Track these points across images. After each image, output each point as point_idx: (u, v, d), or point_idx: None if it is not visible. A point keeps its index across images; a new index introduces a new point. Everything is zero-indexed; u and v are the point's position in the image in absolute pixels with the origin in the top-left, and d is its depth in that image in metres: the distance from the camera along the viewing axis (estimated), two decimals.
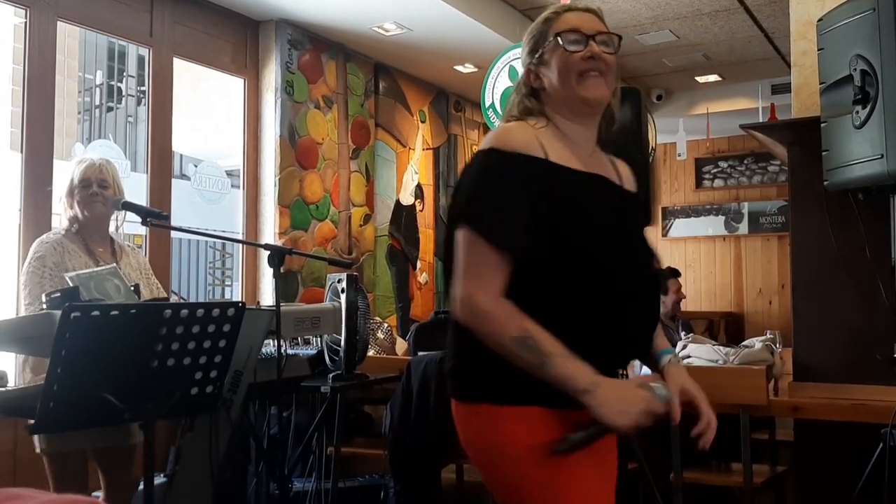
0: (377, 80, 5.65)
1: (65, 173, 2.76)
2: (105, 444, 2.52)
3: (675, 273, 5.02)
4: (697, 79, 6.98)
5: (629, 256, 1.55)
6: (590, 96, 1.57)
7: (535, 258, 1.46)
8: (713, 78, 6.96)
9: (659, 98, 7.29)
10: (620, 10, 5.39)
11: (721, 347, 3.30)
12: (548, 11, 1.66)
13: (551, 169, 1.50)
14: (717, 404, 3.02)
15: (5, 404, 2.15)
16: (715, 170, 8.39)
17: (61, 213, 2.76)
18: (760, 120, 5.82)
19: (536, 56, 1.62)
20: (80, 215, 2.68)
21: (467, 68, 5.79)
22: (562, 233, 1.46)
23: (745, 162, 8.25)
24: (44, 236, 2.70)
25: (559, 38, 1.58)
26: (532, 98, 1.63)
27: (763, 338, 3.34)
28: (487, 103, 4.47)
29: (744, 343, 3.41)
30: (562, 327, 1.44)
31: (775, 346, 3.29)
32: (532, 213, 1.45)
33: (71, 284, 2.32)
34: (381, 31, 5.02)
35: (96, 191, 2.69)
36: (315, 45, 5.07)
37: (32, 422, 1.88)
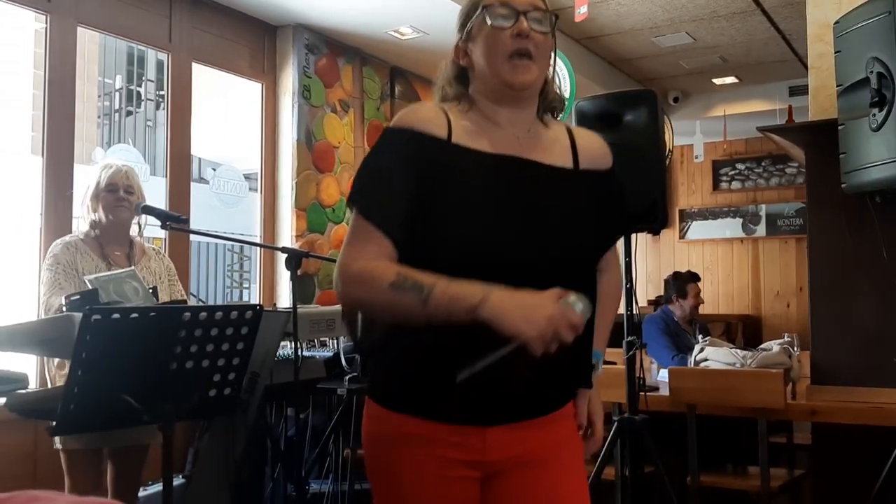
0: (393, 84, 5.67)
1: (88, 177, 2.80)
2: (123, 443, 2.54)
3: (694, 277, 5.00)
4: (714, 81, 6.96)
5: (514, 243, 1.38)
6: (514, 81, 1.42)
7: (411, 248, 1.36)
8: (730, 80, 6.93)
9: (675, 100, 7.27)
10: (636, 12, 5.39)
11: (738, 350, 3.30)
12: None
13: (443, 147, 1.40)
14: (734, 408, 3.01)
15: (26, 406, 2.18)
16: (732, 172, 8.35)
17: (81, 217, 2.80)
18: (778, 122, 5.79)
19: (465, 31, 1.48)
20: (103, 219, 2.72)
21: None
22: (429, 214, 1.36)
23: (763, 164, 8.20)
24: (61, 238, 2.75)
25: (486, 13, 1.43)
26: (456, 81, 1.50)
27: (781, 341, 3.33)
28: None
29: (761, 346, 3.40)
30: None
31: (793, 349, 3.27)
32: (407, 189, 1.37)
33: (90, 287, 2.35)
34: (397, 35, 5.04)
35: (123, 196, 2.74)
36: (332, 49, 5.10)
37: (54, 423, 1.91)
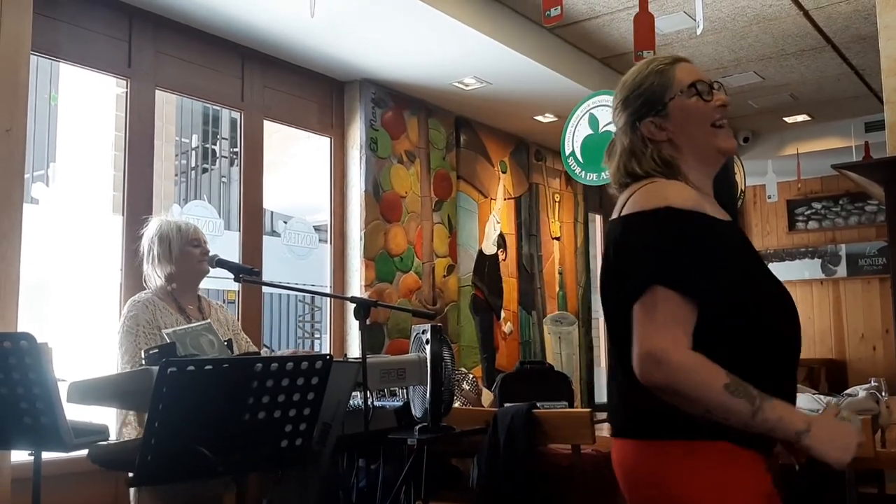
0: (458, 134, 5.74)
1: (155, 232, 2.85)
2: (196, 495, 2.57)
3: None
4: (786, 119, 6.82)
5: (784, 290, 1.55)
6: (726, 146, 1.58)
7: (720, 308, 1.42)
8: (802, 118, 6.78)
9: (746, 140, 7.15)
10: (702, 53, 5.35)
11: (822, 396, 3.16)
12: (652, 64, 1.60)
13: (714, 223, 1.47)
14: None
15: (107, 457, 2.23)
16: (808, 211, 8.13)
17: (151, 273, 2.85)
18: (854, 159, 5.63)
19: (658, 109, 1.57)
20: (183, 273, 2.78)
21: (547, 118, 5.82)
22: (744, 281, 1.46)
23: (841, 202, 7.96)
24: (136, 296, 2.80)
25: (696, 88, 1.56)
26: (661, 160, 1.56)
27: (867, 385, 3.18)
28: (567, 151, 4.47)
29: (847, 391, 3.25)
30: (750, 373, 1.38)
31: (881, 394, 3.12)
32: (715, 265, 1.42)
33: (168, 341, 2.41)
34: (461, 85, 5.12)
35: (207, 249, 2.82)
36: (397, 102, 5.20)
37: (132, 475, 1.94)
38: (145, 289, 2.86)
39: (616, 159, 1.63)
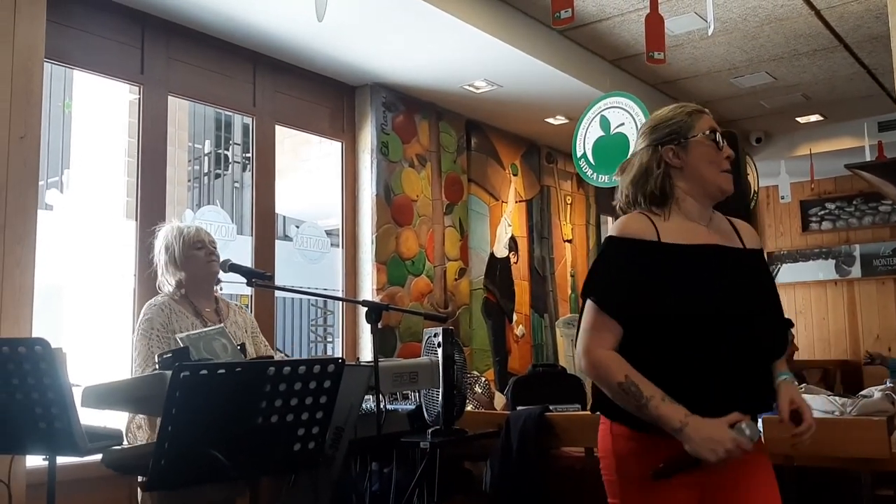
0: (469, 137, 5.74)
1: (161, 241, 2.87)
2: (208, 499, 2.57)
3: (787, 323, 4.81)
4: (798, 119, 6.79)
5: (734, 315, 1.80)
6: (728, 189, 1.94)
7: (641, 321, 1.78)
8: (814, 118, 6.74)
9: (758, 141, 7.11)
10: (713, 54, 5.33)
11: (837, 398, 3.13)
12: (685, 107, 1.97)
13: (659, 248, 1.83)
14: (834, 458, 2.86)
15: (121, 462, 2.24)
16: (822, 212, 8.08)
17: (163, 279, 2.87)
18: (868, 159, 5.59)
19: (681, 141, 1.92)
20: (193, 276, 2.79)
21: (558, 120, 5.81)
22: (663, 300, 1.77)
23: (855, 202, 7.91)
24: (152, 299, 2.83)
25: (715, 135, 1.93)
26: (665, 180, 1.91)
27: (883, 387, 3.16)
28: (579, 153, 4.47)
29: (862, 393, 3.22)
30: (665, 377, 1.74)
31: None
32: (636, 285, 1.79)
33: (181, 345, 2.42)
34: (471, 88, 5.12)
35: (212, 250, 2.83)
36: (408, 106, 5.21)
37: (145, 479, 1.95)
38: (161, 293, 2.88)
39: (629, 175, 1.96)
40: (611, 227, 1.92)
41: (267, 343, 3.03)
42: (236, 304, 3.00)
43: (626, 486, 1.84)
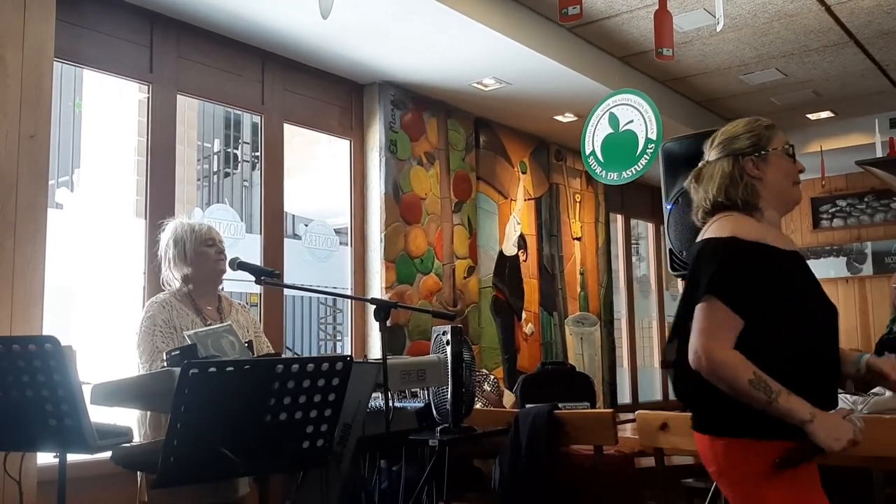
0: (477, 134, 5.73)
1: (170, 235, 2.87)
2: (213, 499, 2.58)
3: None
4: (809, 116, 6.75)
5: (828, 309, 1.97)
6: (798, 198, 2.10)
7: (766, 320, 1.86)
8: (825, 114, 6.71)
9: None
10: (722, 51, 5.31)
11: (849, 396, 3.12)
12: (763, 121, 2.09)
13: (773, 252, 1.94)
14: (845, 456, 2.83)
15: (130, 459, 2.25)
16: (833, 209, 8.03)
17: (168, 275, 2.87)
18: (879, 155, 5.56)
19: (761, 153, 2.03)
20: (200, 273, 2.79)
21: (567, 118, 5.80)
22: (787, 300, 1.89)
23: (866, 200, 7.86)
24: (154, 297, 2.82)
25: (791, 149, 2.07)
26: (750, 188, 2.01)
27: None
28: (588, 151, 4.45)
29: (873, 391, 3.20)
30: (786, 375, 1.82)
31: None
32: (763, 285, 1.88)
33: (189, 342, 2.42)
34: (480, 86, 5.11)
35: (222, 248, 2.83)
36: (417, 104, 5.20)
37: (155, 476, 1.95)
38: (163, 288, 2.88)
39: (713, 183, 2.05)
40: (715, 229, 1.98)
41: (269, 343, 3.03)
42: (239, 303, 3.00)
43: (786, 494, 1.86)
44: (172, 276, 2.85)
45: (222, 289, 2.97)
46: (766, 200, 2.02)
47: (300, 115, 4.68)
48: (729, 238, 1.93)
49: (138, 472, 2.65)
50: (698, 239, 2.04)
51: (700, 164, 2.13)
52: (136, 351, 2.68)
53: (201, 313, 2.78)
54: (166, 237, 2.87)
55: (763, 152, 2.03)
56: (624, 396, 7.12)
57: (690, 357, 1.86)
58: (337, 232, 4.94)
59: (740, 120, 2.11)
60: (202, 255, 2.81)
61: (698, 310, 1.88)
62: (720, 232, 1.96)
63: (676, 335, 1.98)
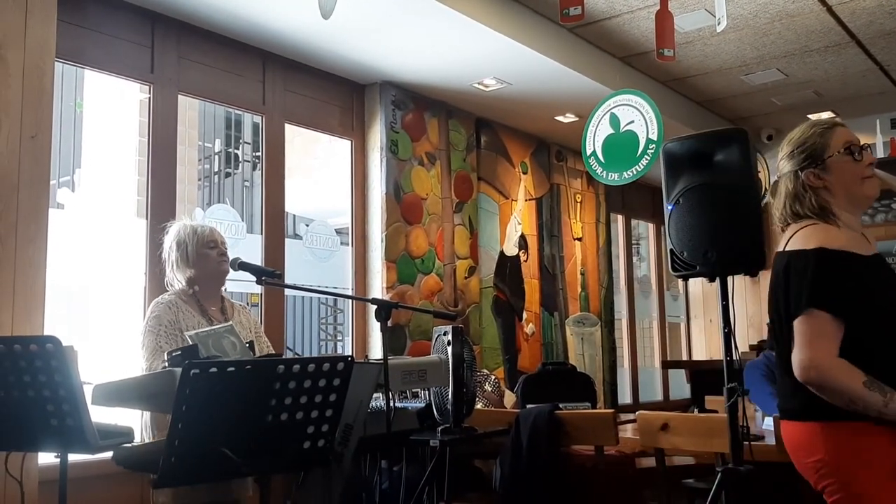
0: (478, 135, 5.73)
1: (173, 238, 2.87)
2: (214, 498, 2.58)
3: None
4: (810, 116, 6.74)
5: None
6: (873, 194, 2.07)
7: (860, 324, 1.90)
8: (826, 115, 6.70)
9: (769, 138, 7.07)
10: (723, 51, 5.31)
11: None
12: (815, 127, 2.08)
13: (858, 259, 1.96)
14: None
15: (132, 459, 2.25)
16: None
17: (172, 276, 2.87)
18: (880, 155, 5.56)
19: (819, 163, 2.05)
20: (203, 275, 2.80)
21: (568, 118, 5.80)
22: (876, 303, 1.93)
23: None
24: (160, 297, 2.84)
25: (850, 148, 2.04)
26: (816, 198, 2.04)
27: None
28: (588, 151, 4.46)
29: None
30: (887, 374, 1.87)
31: None
32: (857, 292, 1.91)
33: (190, 343, 2.43)
34: (481, 86, 5.11)
35: (224, 251, 2.84)
36: (418, 104, 5.20)
37: (156, 476, 1.95)
38: (168, 292, 2.89)
39: (781, 199, 2.10)
40: (800, 240, 2.00)
41: (270, 344, 3.04)
42: (241, 305, 3.01)
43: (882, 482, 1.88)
44: (176, 279, 2.86)
45: (225, 289, 2.97)
46: (837, 205, 2.04)
47: (301, 116, 4.68)
48: (817, 249, 1.95)
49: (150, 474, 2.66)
50: (780, 250, 2.06)
51: (776, 178, 2.19)
52: (141, 349, 2.70)
53: (206, 314, 2.79)
54: (169, 240, 2.88)
55: (821, 162, 2.05)
56: (625, 397, 7.12)
57: (798, 371, 1.90)
58: (338, 232, 4.94)
59: (801, 126, 2.13)
60: (204, 257, 2.81)
61: (799, 323, 1.92)
62: (806, 244, 1.97)
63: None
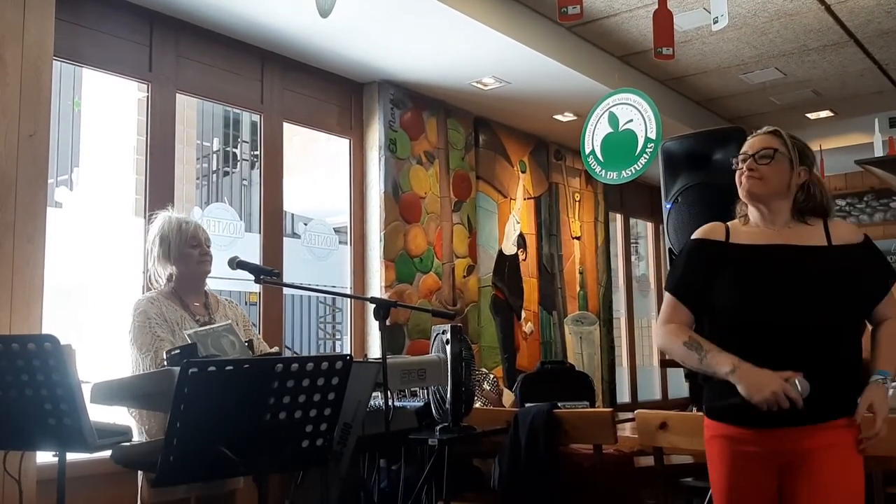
0: (477, 134, 5.73)
1: (157, 232, 2.84)
2: (206, 492, 2.58)
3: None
4: (808, 115, 6.75)
5: (773, 308, 2.02)
6: (741, 193, 2.16)
7: (700, 306, 2.12)
8: (825, 114, 6.70)
9: None
10: (722, 50, 5.31)
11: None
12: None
13: (723, 247, 2.12)
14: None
15: (131, 458, 2.25)
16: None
17: (154, 272, 2.83)
18: (878, 154, 5.56)
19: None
20: (184, 272, 2.77)
21: (566, 117, 5.80)
22: (712, 291, 2.09)
23: (865, 199, 7.86)
24: (139, 297, 2.78)
25: (732, 160, 2.20)
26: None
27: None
28: (587, 150, 4.46)
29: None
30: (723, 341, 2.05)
31: None
32: (699, 276, 2.12)
33: (189, 341, 2.42)
34: (479, 85, 5.11)
35: (206, 250, 2.81)
36: (416, 103, 5.20)
37: (155, 475, 1.95)
38: (151, 287, 2.85)
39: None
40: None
41: (260, 337, 3.01)
42: (227, 299, 2.98)
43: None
44: (157, 272, 2.83)
45: (207, 286, 2.93)
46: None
47: (299, 114, 4.67)
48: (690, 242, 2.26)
49: (139, 472, 2.64)
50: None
51: None
52: (132, 348, 2.64)
53: (188, 309, 2.76)
54: (153, 232, 2.83)
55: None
56: (623, 395, 7.12)
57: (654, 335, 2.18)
58: (336, 231, 4.94)
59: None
60: (186, 255, 2.78)
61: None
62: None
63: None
